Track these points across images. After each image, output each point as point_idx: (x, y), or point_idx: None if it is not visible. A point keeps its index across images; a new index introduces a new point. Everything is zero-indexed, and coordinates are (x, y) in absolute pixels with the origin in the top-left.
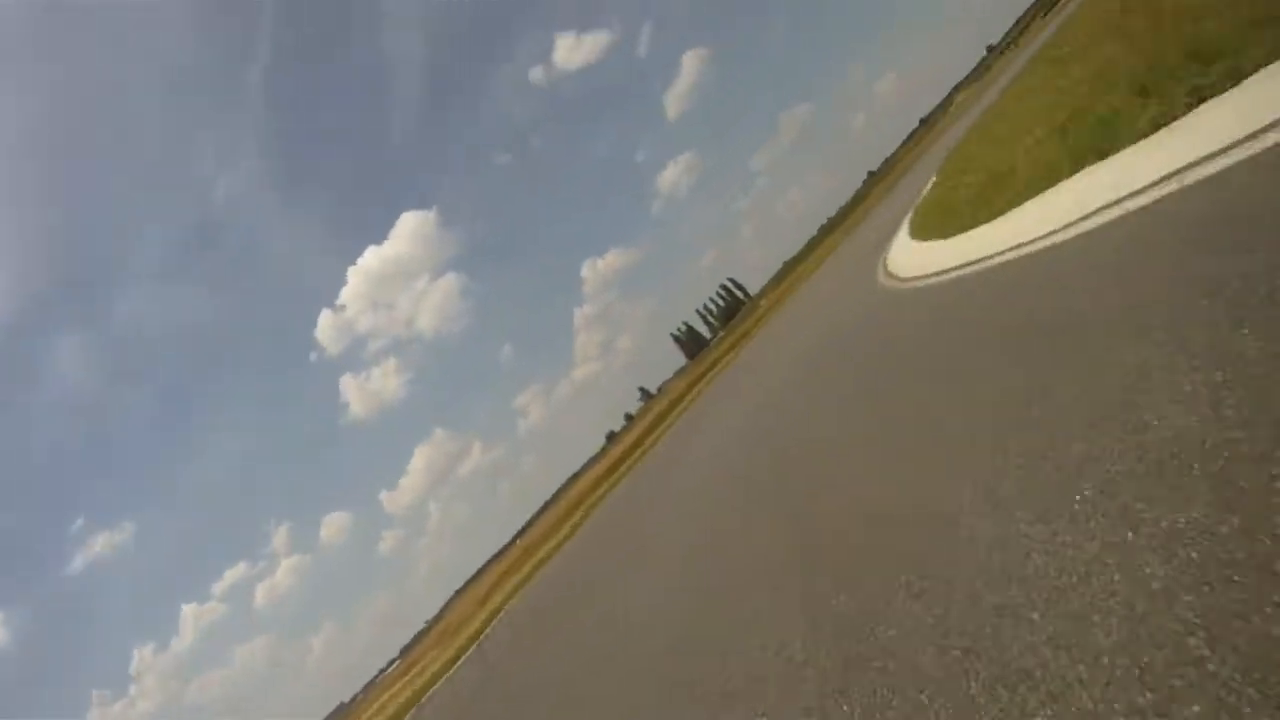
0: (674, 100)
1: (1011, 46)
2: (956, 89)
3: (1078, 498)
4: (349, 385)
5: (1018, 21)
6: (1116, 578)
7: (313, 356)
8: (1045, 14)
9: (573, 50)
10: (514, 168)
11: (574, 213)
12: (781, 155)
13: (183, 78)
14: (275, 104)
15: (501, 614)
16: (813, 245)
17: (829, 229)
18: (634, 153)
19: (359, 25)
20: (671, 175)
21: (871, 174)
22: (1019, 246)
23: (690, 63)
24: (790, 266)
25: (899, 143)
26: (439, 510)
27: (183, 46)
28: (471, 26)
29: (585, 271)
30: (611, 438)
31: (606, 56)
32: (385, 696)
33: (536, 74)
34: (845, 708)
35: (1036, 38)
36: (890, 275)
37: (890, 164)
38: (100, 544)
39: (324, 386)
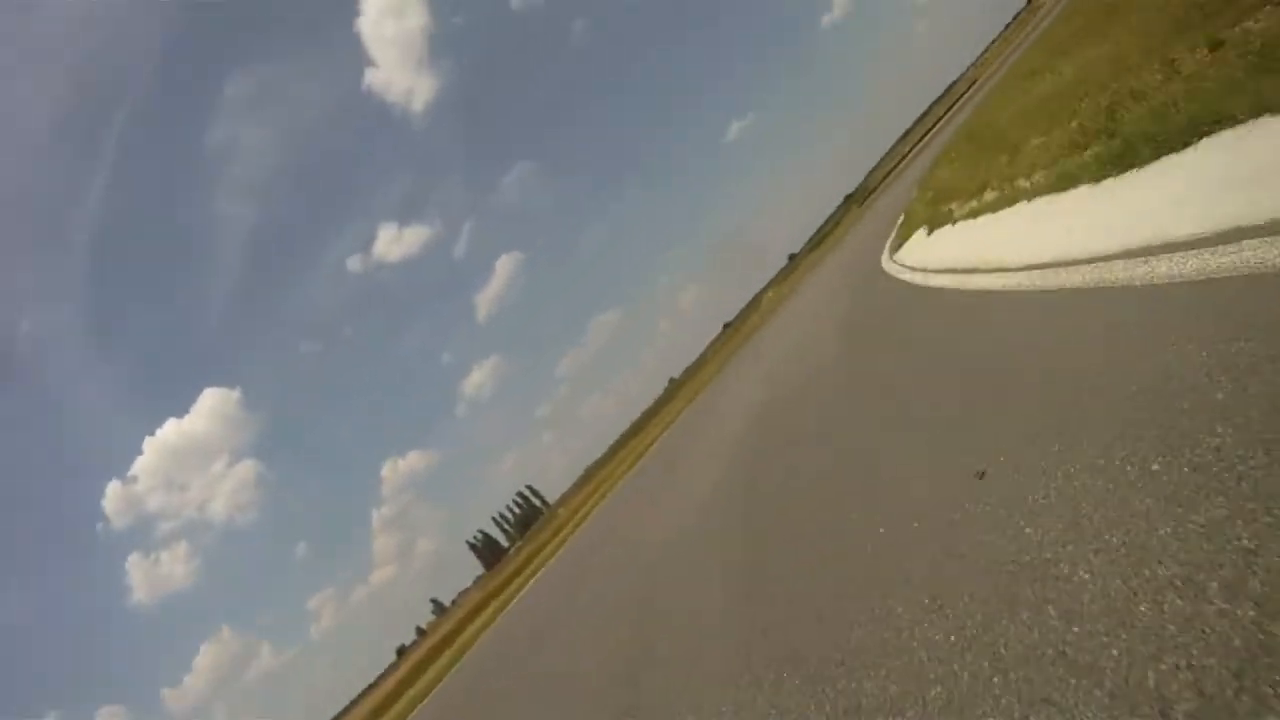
0: (485, 302)
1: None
2: (762, 291)
3: None
4: (135, 566)
5: (818, 231)
6: None
7: (99, 527)
8: (860, 204)
9: (393, 242)
10: (323, 355)
11: (378, 409)
12: (588, 361)
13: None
14: (97, 249)
15: None
16: (615, 448)
17: (630, 433)
18: (441, 352)
19: (190, 185)
20: (478, 378)
21: (673, 379)
22: None
23: (504, 266)
24: (592, 471)
25: (703, 347)
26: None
27: (14, 174)
28: (298, 204)
29: (385, 471)
30: (401, 653)
31: (425, 252)
32: None
33: (355, 262)
34: None
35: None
36: None
37: (693, 370)
38: None
39: (109, 563)
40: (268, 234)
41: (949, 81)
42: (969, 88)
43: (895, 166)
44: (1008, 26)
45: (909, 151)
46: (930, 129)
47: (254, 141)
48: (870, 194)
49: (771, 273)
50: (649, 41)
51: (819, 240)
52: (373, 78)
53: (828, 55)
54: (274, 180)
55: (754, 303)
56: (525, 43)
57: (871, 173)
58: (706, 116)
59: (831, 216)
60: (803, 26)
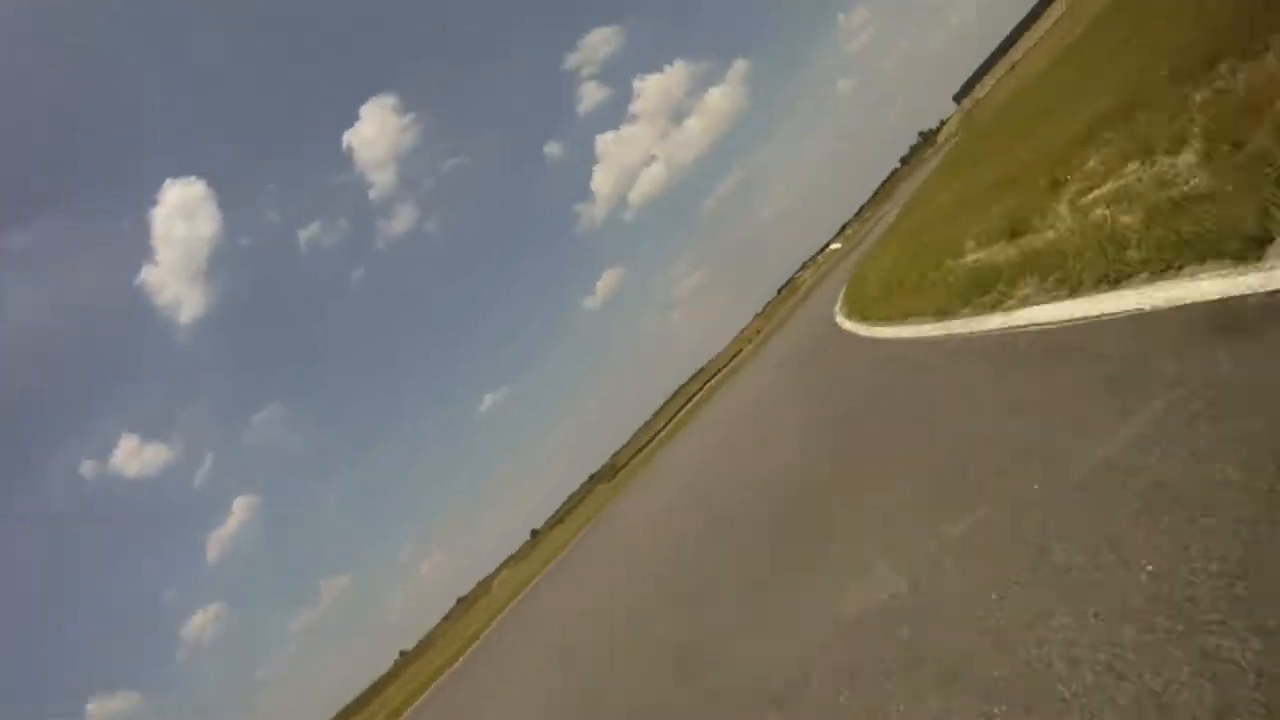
0: (218, 542)
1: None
2: (498, 569)
3: None
4: None
5: (562, 507)
6: None
7: None
8: (608, 481)
9: (134, 455)
10: (45, 566)
11: (90, 641)
12: (319, 622)
13: None
14: None
15: None
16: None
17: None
18: (165, 588)
19: None
20: (200, 621)
21: (404, 652)
22: None
23: (241, 508)
24: None
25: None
26: None
27: None
28: (42, 384)
29: (93, 707)
30: None
31: (164, 474)
32: None
33: (89, 467)
34: None
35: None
36: None
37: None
38: None
39: None
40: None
41: (697, 367)
42: (716, 373)
43: (645, 445)
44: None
45: (662, 428)
46: (677, 412)
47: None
48: (618, 471)
49: (511, 550)
50: (422, 302)
51: (560, 518)
52: (149, 274)
53: (585, 335)
54: (19, 351)
55: (484, 585)
56: (304, 281)
57: (619, 452)
58: (463, 386)
59: (575, 494)
60: (567, 306)
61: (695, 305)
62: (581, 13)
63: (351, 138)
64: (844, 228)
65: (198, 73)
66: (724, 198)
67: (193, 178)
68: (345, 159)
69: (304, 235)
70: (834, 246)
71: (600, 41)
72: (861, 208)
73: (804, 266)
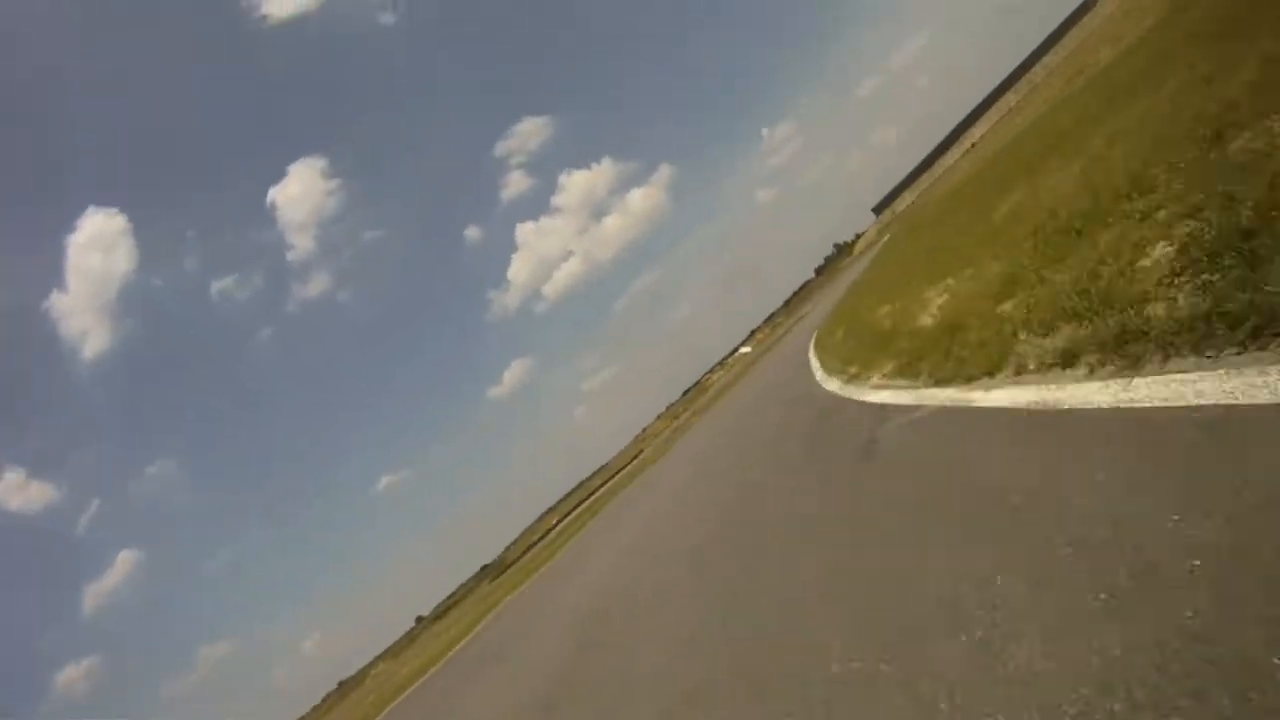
0: (95, 594)
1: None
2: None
3: None
4: None
5: (448, 598)
6: None
7: None
8: (493, 579)
9: (18, 489)
10: None
11: None
12: (195, 689)
13: None
14: None
15: None
16: None
17: None
18: (38, 637)
19: None
20: (72, 674)
21: None
22: None
23: (124, 563)
24: None
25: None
26: None
27: None
28: None
29: None
30: None
31: (46, 514)
32: None
33: None
34: None
35: None
36: None
37: None
38: None
39: None
40: None
41: (599, 464)
42: (616, 473)
43: (538, 541)
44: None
45: (555, 524)
46: (568, 513)
47: None
48: (506, 568)
49: (396, 635)
50: (328, 372)
51: (444, 611)
52: (58, 301)
53: (489, 424)
54: None
55: (364, 673)
56: (212, 333)
57: (511, 546)
58: (362, 462)
59: (464, 584)
60: (473, 393)
61: (602, 402)
62: (518, 99)
63: (276, 194)
64: (754, 333)
65: (135, 102)
66: (637, 297)
67: (115, 210)
68: (268, 215)
69: (217, 286)
70: (744, 350)
71: (531, 131)
72: (773, 314)
73: (713, 369)
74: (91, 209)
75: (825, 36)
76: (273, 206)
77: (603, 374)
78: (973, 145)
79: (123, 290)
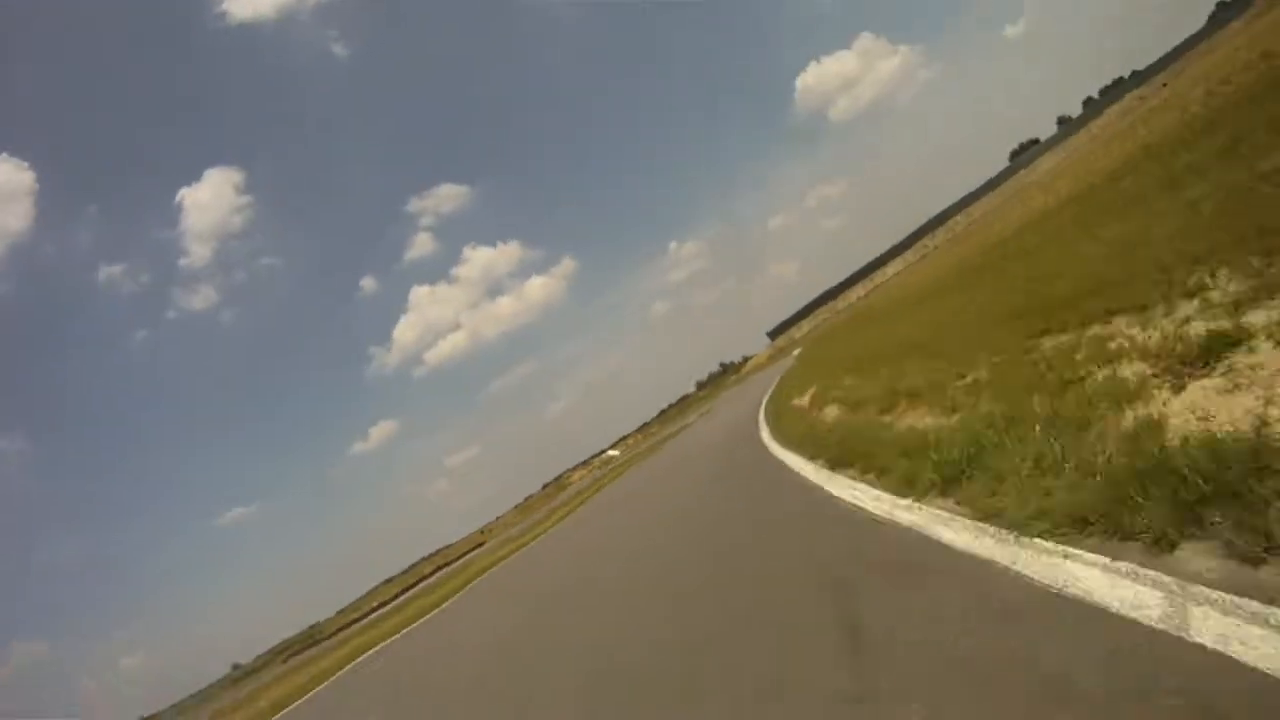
0: None
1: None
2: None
3: None
4: None
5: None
6: None
7: None
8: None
9: None
10: None
11: None
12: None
13: None
14: None
15: None
16: None
17: None
18: None
19: None
20: None
21: None
22: None
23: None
24: None
25: None
26: None
27: None
28: None
29: None
30: None
31: None
32: None
33: None
34: None
35: None
36: None
37: None
38: None
39: None
40: None
41: (442, 545)
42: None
43: (351, 623)
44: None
45: (374, 609)
46: (394, 596)
47: None
48: (317, 643)
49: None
50: (195, 389)
51: (256, 668)
52: None
53: (348, 478)
54: None
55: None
56: (90, 318)
57: (343, 610)
58: (213, 489)
59: (277, 647)
60: (338, 445)
61: (462, 480)
62: (444, 163)
63: (187, 196)
64: (624, 438)
65: (72, 58)
66: (515, 383)
67: (25, 162)
68: (173, 214)
69: (106, 272)
70: (611, 453)
71: (448, 196)
72: (646, 423)
73: (576, 467)
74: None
75: (745, 166)
76: (179, 207)
77: (467, 452)
78: (875, 287)
79: (11, 248)
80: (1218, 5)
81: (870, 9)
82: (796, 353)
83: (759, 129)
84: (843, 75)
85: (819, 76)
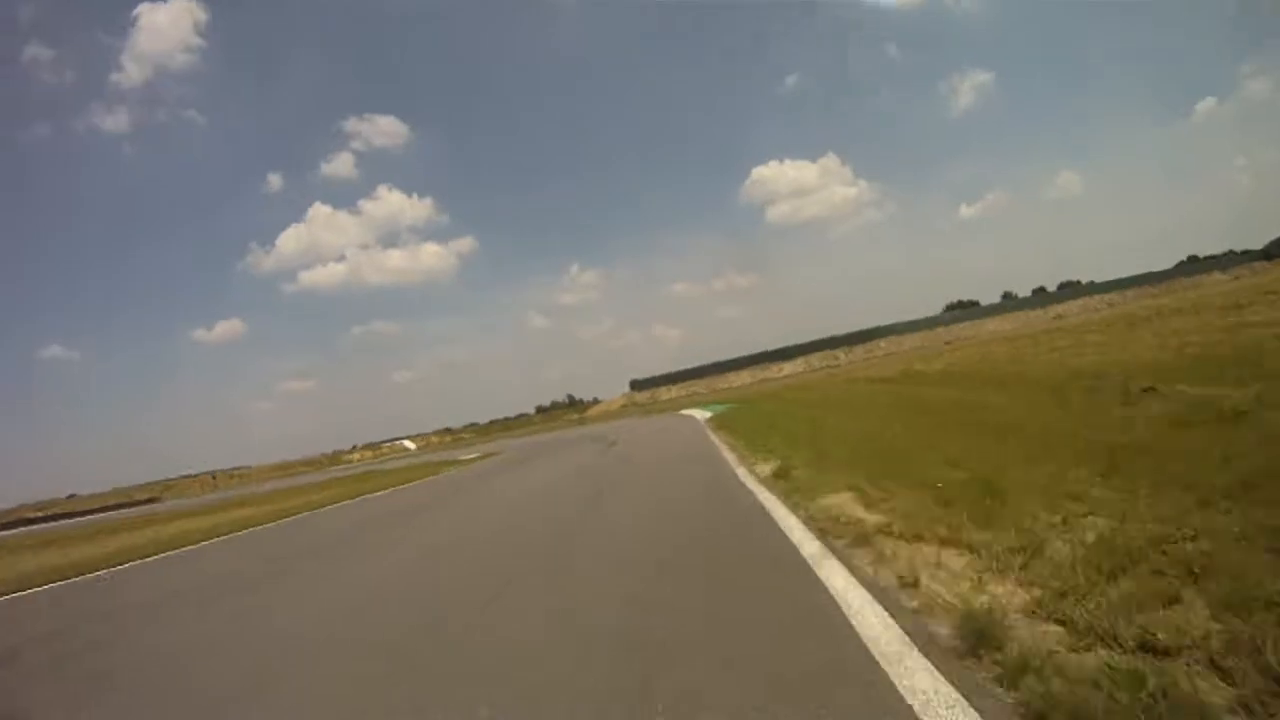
0: None
1: None
2: None
3: None
4: None
5: None
6: None
7: None
8: None
9: None
10: None
11: None
12: None
13: None
14: None
15: None
16: None
17: None
18: None
19: None
20: None
21: None
22: None
23: None
24: None
25: None
26: None
27: None
28: None
29: None
30: None
31: None
32: None
33: None
34: None
35: None
36: None
37: None
38: None
39: None
40: None
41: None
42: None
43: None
44: None
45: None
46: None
47: None
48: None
49: None
50: (68, 207)
51: None
52: None
53: (175, 359)
54: None
55: None
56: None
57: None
58: (35, 320)
59: None
60: (178, 324)
61: (287, 411)
62: (399, 94)
63: (144, 13)
64: (432, 433)
65: None
66: (374, 337)
67: None
68: (125, 25)
69: (32, 52)
70: (406, 444)
71: (388, 130)
72: (473, 424)
73: (359, 448)
74: None
75: (673, 222)
76: (134, 20)
77: (301, 384)
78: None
79: None
80: (1188, 258)
81: (848, 135)
82: (703, 416)
83: (701, 196)
84: (797, 183)
85: (776, 174)
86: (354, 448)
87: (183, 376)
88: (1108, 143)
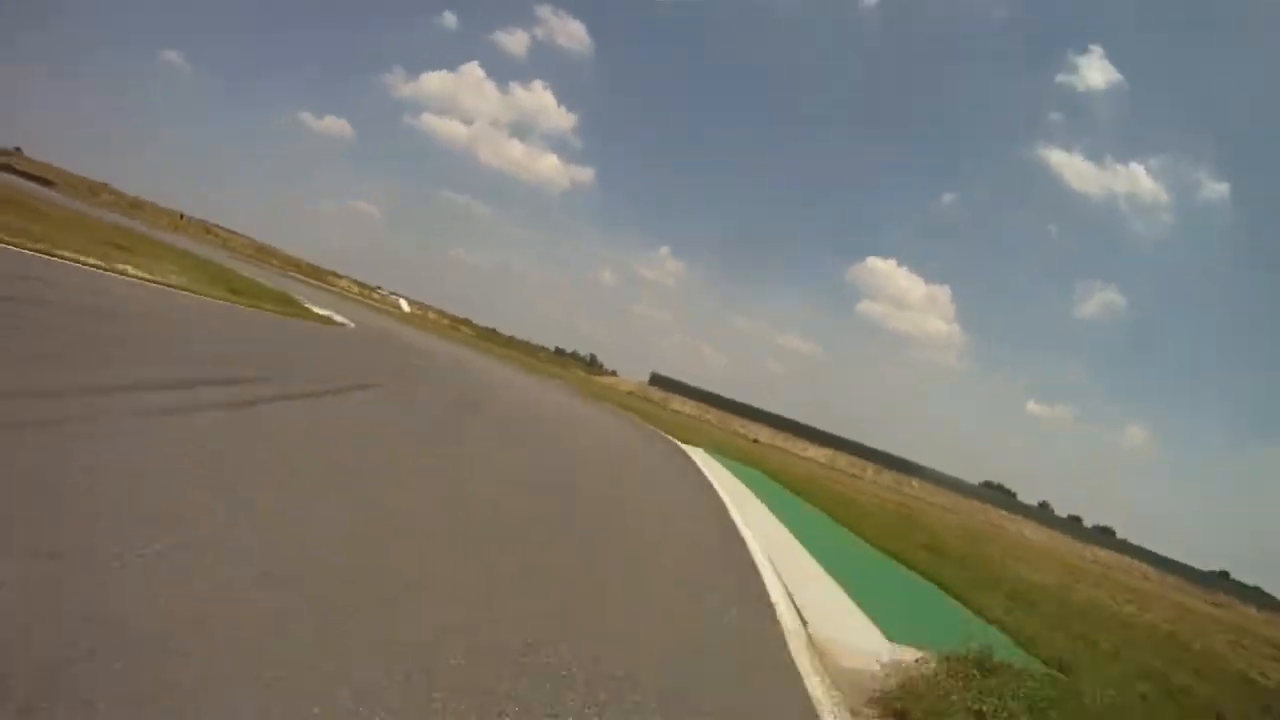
0: None
1: None
2: None
3: None
4: None
5: None
6: None
7: None
8: None
9: None
10: None
11: None
12: None
13: None
14: None
15: None
16: None
17: None
18: None
19: None
20: None
21: None
22: None
23: None
24: None
25: None
26: None
27: None
28: None
29: None
30: None
31: None
32: None
33: None
34: None
35: None
36: None
37: None
38: None
39: None
40: None
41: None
42: None
43: None
44: None
45: None
46: None
47: None
48: None
49: None
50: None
51: None
52: None
53: (268, 130)
54: None
55: None
56: None
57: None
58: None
59: None
60: (280, 104)
61: (335, 221)
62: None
63: None
64: (460, 321)
65: None
66: (454, 206)
67: None
68: None
69: None
70: (401, 303)
71: (570, 31)
72: (493, 330)
73: (363, 286)
74: None
75: (774, 261)
76: None
77: (366, 208)
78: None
79: None
80: (1220, 571)
81: (970, 277)
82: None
83: (813, 251)
84: (901, 294)
85: (887, 274)
86: (346, 277)
87: (263, 142)
88: (1195, 436)
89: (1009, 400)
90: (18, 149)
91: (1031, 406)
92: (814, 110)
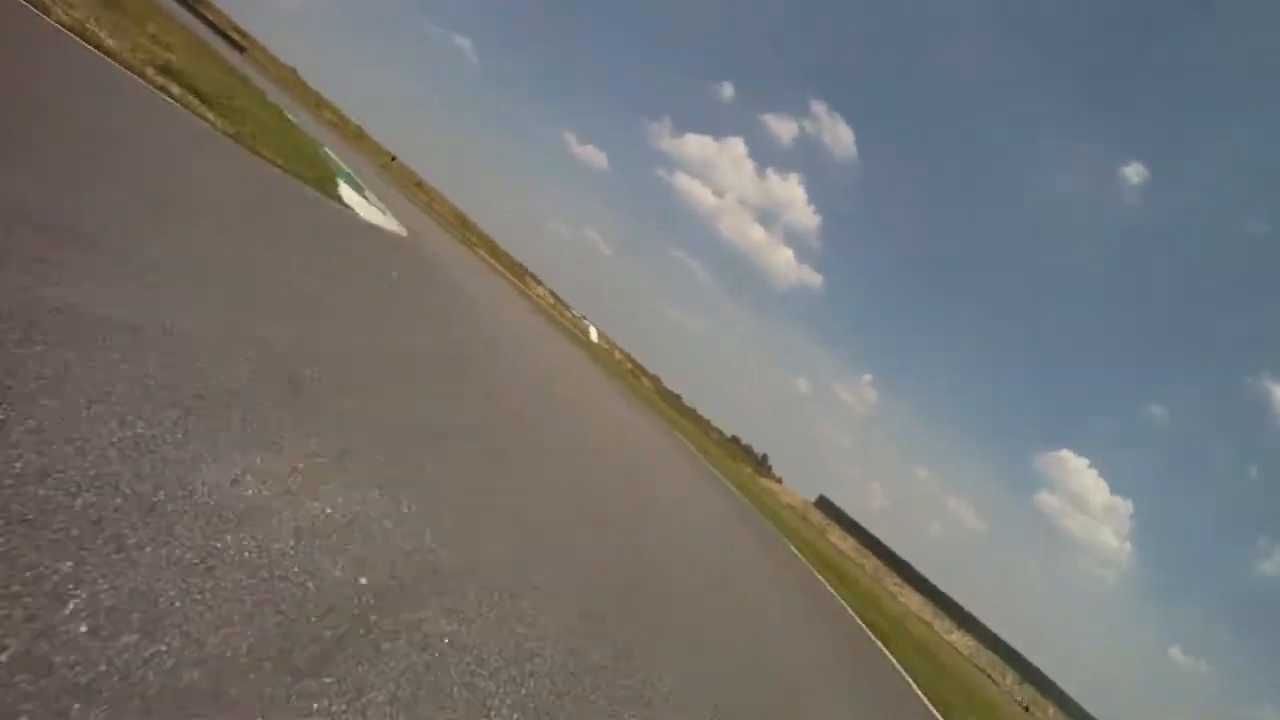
0: None
1: None
2: None
3: None
4: None
5: None
6: None
7: None
8: None
9: None
10: None
11: None
12: None
13: None
14: None
15: None
16: None
17: None
18: None
19: None
20: None
21: None
22: None
23: None
24: None
25: None
26: None
27: None
28: None
29: None
30: None
31: None
32: None
33: None
34: None
35: None
36: None
37: None
38: None
39: None
40: None
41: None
42: None
43: None
44: None
45: None
46: None
47: None
48: None
49: None
50: None
51: None
52: None
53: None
54: None
55: None
56: None
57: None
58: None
59: None
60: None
61: (552, 229)
62: (878, 102)
63: None
64: (606, 343)
65: None
66: (673, 265)
67: None
68: None
69: None
70: (592, 330)
71: (837, 132)
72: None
73: (566, 306)
74: None
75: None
76: None
77: (590, 234)
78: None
79: None
80: None
81: (1164, 498)
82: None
83: (1012, 428)
84: (1085, 494)
85: (1077, 471)
86: (544, 285)
87: (514, 147)
88: None
89: (1154, 639)
90: None
91: (1174, 653)
92: (1054, 286)
